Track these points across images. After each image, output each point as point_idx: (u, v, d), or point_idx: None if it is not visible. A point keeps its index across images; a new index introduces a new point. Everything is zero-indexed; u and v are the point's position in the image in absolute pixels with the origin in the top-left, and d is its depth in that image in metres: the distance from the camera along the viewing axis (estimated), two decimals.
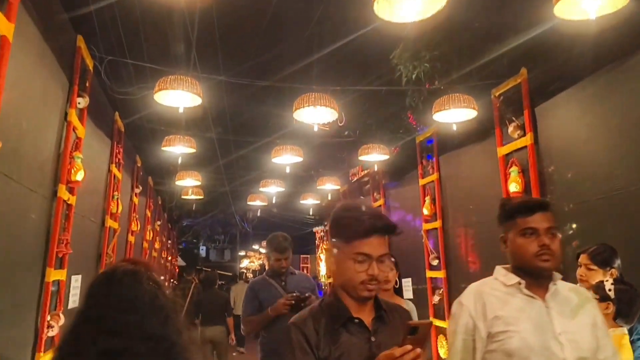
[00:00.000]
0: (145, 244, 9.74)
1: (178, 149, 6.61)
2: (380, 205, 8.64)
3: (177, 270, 27.23)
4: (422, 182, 7.32)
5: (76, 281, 4.98)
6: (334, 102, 4.72)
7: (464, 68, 6.31)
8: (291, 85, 5.09)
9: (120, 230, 6.53)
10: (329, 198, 10.51)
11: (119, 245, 6.76)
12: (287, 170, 6.90)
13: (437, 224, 6.76)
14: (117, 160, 6.25)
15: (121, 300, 1.23)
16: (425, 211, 7.11)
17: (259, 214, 35.79)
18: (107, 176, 6.06)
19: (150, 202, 10.07)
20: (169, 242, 16.45)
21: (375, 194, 8.89)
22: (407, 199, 7.96)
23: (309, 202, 11.03)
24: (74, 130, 4.35)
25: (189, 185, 9.17)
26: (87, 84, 4.54)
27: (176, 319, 1.29)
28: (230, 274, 30.84)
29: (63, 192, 4.12)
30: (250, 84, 5.04)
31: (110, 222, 6.06)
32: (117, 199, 6.23)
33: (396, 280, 3.30)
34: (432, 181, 6.98)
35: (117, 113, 6.24)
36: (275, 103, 6.40)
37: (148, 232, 9.92)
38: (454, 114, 5.24)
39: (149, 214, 9.94)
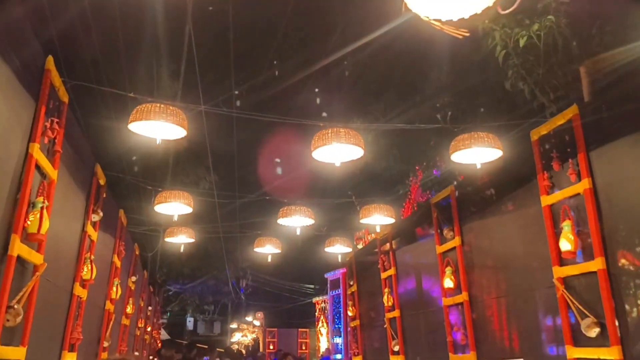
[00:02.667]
0: (109, 305, 6.78)
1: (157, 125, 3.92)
2: (390, 276, 6.27)
3: (159, 345, 23.65)
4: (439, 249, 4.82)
5: None
6: None
7: None
8: None
9: (45, 267, 3.71)
10: (374, 237, 7.77)
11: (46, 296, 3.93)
12: (338, 164, 4.14)
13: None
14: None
15: None
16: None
17: (251, 282, 32.63)
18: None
19: (119, 245, 7.19)
20: (149, 308, 13.33)
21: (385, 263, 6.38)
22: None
23: (337, 250, 8.21)
24: None
25: (175, 211, 6.27)
26: None
27: None
28: (206, 346, 27.05)
29: None
30: None
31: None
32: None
33: None
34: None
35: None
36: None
37: (114, 289, 6.99)
38: None
39: (117, 261, 7.03)
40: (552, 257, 4.23)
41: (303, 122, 4.31)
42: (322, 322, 31.26)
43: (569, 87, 4.55)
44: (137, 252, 9.13)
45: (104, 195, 5.73)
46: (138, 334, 10.97)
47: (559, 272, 4.18)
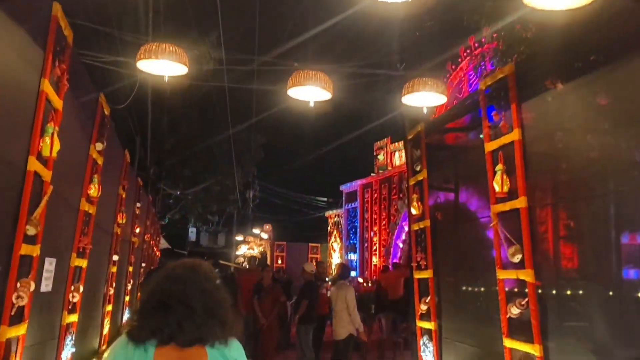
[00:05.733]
0: (42, 173, 3.84)
1: None
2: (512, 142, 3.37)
3: (158, 254, 21.41)
4: None
5: None
6: None
7: None
8: None
9: None
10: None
11: None
12: None
13: None
14: None
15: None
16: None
17: (259, 193, 29.93)
18: None
19: (53, 64, 4.11)
20: (138, 205, 10.54)
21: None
22: None
23: (420, 101, 5.00)
24: None
25: None
26: None
27: None
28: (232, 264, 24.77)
29: None
30: None
31: None
32: None
33: None
34: None
35: None
36: None
37: (45, 142, 4.01)
38: None
39: (55, 103, 4.00)
40: None
41: None
42: (335, 237, 29.07)
43: None
44: (103, 107, 6.07)
45: None
46: (119, 232, 8.20)
47: None
